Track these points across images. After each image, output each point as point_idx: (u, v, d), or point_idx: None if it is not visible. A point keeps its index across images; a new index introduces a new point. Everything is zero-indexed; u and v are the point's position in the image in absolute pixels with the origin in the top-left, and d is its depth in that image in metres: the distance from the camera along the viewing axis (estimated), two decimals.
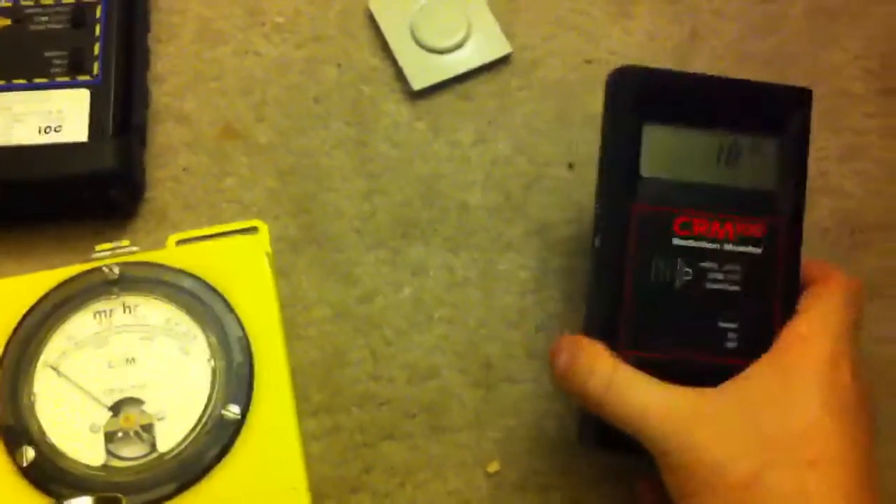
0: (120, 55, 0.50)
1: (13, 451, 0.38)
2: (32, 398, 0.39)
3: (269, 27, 0.56)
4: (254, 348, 0.40)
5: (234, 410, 0.39)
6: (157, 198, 0.52)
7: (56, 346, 0.40)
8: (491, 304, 0.50)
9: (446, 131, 0.54)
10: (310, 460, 0.46)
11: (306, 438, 0.47)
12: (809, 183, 0.51)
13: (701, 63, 0.55)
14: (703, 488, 0.34)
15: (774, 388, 0.36)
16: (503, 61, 0.55)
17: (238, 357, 0.40)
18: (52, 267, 0.49)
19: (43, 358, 0.40)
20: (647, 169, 0.41)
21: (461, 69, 0.54)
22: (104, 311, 0.40)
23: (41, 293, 0.41)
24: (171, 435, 0.39)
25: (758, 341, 0.39)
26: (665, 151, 0.41)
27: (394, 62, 0.55)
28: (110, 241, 0.47)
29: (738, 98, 0.42)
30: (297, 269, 0.50)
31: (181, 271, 0.41)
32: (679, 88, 0.42)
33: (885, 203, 0.52)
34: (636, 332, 0.40)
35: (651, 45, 0.55)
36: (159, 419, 0.39)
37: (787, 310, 0.39)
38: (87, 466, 0.38)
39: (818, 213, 0.52)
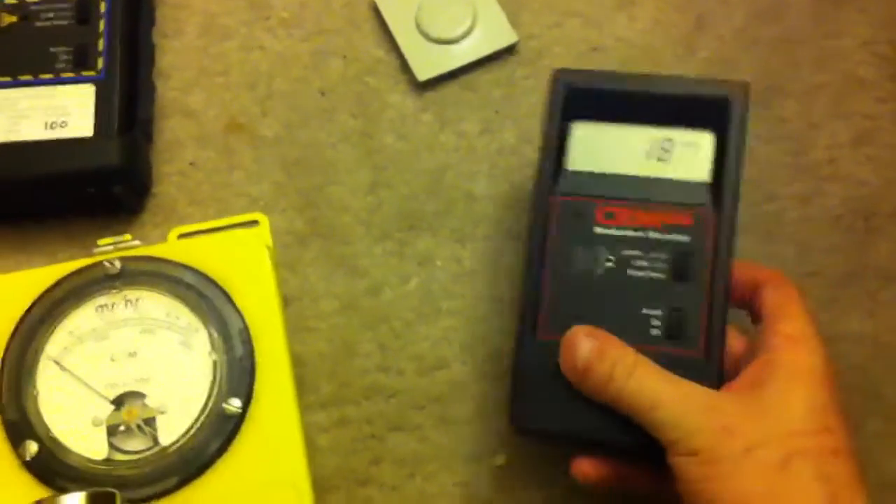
0: (124, 50, 0.51)
1: (16, 446, 0.38)
2: (35, 392, 0.39)
3: (273, 21, 0.55)
4: (255, 342, 0.40)
5: (235, 404, 0.39)
6: (164, 193, 0.52)
7: (59, 341, 0.40)
8: (499, 296, 0.50)
9: (452, 122, 0.53)
10: (318, 452, 0.46)
11: (315, 430, 0.47)
12: (820, 171, 0.50)
13: (707, 50, 0.54)
14: (733, 469, 0.35)
15: (787, 388, 0.36)
16: (509, 51, 0.54)
17: (239, 350, 0.40)
18: (59, 262, 0.49)
19: (46, 352, 0.40)
20: (572, 163, 0.42)
21: (467, 59, 0.54)
22: (106, 306, 0.41)
23: (43, 288, 0.41)
24: (172, 428, 0.39)
25: (684, 329, 0.39)
26: (591, 147, 0.42)
27: (399, 54, 0.54)
28: (117, 236, 0.48)
29: (671, 95, 0.42)
30: (303, 261, 0.50)
31: (182, 265, 0.41)
32: (611, 88, 0.42)
33: None
34: (557, 318, 0.40)
35: (657, 32, 0.54)
36: (161, 413, 0.39)
37: (717, 300, 0.39)
38: (90, 460, 0.38)
39: (830, 200, 0.51)
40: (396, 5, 0.55)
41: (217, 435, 0.39)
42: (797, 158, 0.52)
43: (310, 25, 0.55)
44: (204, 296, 0.41)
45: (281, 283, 0.46)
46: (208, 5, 0.56)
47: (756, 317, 0.40)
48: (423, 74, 0.54)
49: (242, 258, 0.42)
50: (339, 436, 0.47)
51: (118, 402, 0.39)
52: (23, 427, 0.39)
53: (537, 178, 0.42)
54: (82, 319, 0.40)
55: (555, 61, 0.54)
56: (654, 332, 0.39)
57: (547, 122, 0.42)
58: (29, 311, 0.40)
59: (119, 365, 0.40)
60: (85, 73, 0.50)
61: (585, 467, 0.40)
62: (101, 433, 0.39)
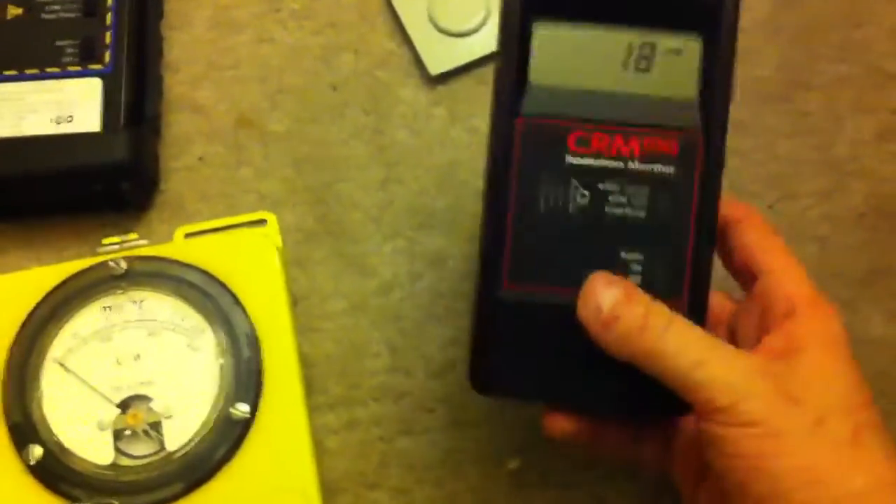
0: (132, 44, 0.50)
1: (21, 449, 0.38)
2: (39, 395, 0.38)
3: (284, 13, 0.54)
4: (263, 344, 0.39)
5: (242, 409, 0.38)
6: (172, 189, 0.51)
7: (63, 342, 0.39)
8: None
9: (464, 117, 0.52)
10: (326, 454, 0.46)
11: (323, 432, 0.46)
12: (843, 167, 0.49)
13: None
14: (801, 443, 0.32)
15: (827, 359, 0.34)
16: None
17: (246, 353, 0.39)
18: (65, 259, 0.48)
19: (50, 354, 0.39)
20: (537, 75, 0.35)
21: (480, 53, 0.53)
22: (111, 306, 0.40)
23: (48, 288, 0.40)
24: (179, 433, 0.38)
25: (667, 275, 0.35)
26: (559, 54, 0.36)
27: (411, 47, 0.53)
28: (125, 233, 0.47)
29: None
30: (312, 260, 0.49)
31: (188, 265, 0.40)
32: None
33: None
34: (523, 263, 0.35)
35: None
36: (167, 417, 0.38)
37: (703, 243, 0.35)
38: (95, 465, 0.38)
39: (853, 198, 0.50)
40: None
41: (224, 440, 0.38)
42: (820, 154, 0.51)
43: (321, 18, 0.54)
44: (210, 297, 0.40)
45: (289, 282, 0.45)
46: None
47: (737, 265, 0.37)
48: (435, 68, 0.53)
49: (250, 258, 0.41)
50: (348, 438, 0.47)
51: (124, 405, 0.39)
52: (27, 430, 0.38)
53: (495, 93, 0.36)
54: (87, 320, 0.40)
55: None
56: (634, 278, 0.35)
57: (503, 19, 0.35)
58: (33, 311, 0.40)
59: (124, 367, 0.39)
60: (92, 67, 0.49)
61: (561, 423, 0.37)
62: (107, 437, 0.38)
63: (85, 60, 0.49)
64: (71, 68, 0.49)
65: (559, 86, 0.36)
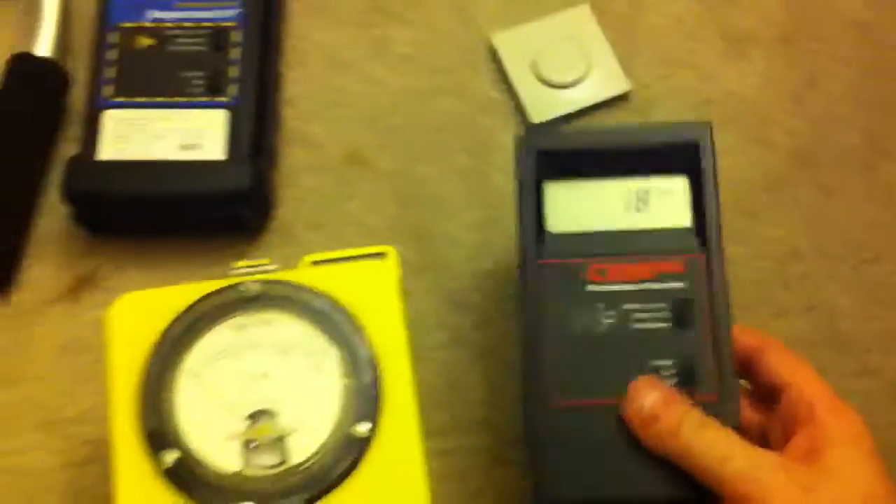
0: (255, 79, 0.53)
1: (155, 454, 0.40)
2: (174, 404, 0.41)
3: (393, 57, 0.57)
4: (382, 368, 0.41)
5: (363, 428, 0.40)
6: (283, 216, 0.54)
7: (197, 356, 0.42)
8: None
9: None
10: None
11: None
12: None
13: (816, 107, 0.55)
14: None
15: (848, 455, 0.37)
16: (621, 98, 0.56)
17: (368, 376, 0.41)
18: (182, 278, 0.51)
19: (185, 366, 0.41)
20: (552, 225, 0.42)
21: (580, 105, 0.56)
22: (243, 326, 0.42)
23: (184, 304, 0.42)
24: (302, 448, 0.40)
25: (696, 375, 0.39)
26: (568, 206, 0.43)
27: (513, 95, 0.56)
28: (240, 256, 0.50)
29: (639, 145, 0.42)
30: (415, 293, 0.52)
31: (315, 291, 0.43)
32: (578, 145, 0.43)
33: None
34: (564, 383, 0.40)
35: (768, 87, 0.56)
36: (292, 432, 0.40)
37: (722, 340, 0.39)
38: (224, 472, 0.40)
39: None
40: (514, 48, 0.57)
41: (344, 456, 0.40)
42: None
43: (428, 63, 0.57)
44: (335, 322, 0.42)
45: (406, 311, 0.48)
46: (331, 38, 0.58)
47: (764, 385, 0.41)
48: (536, 117, 0.55)
49: (372, 289, 0.43)
50: (444, 468, 0.49)
51: (251, 418, 0.41)
52: (162, 437, 0.40)
53: (519, 246, 0.42)
54: (220, 338, 0.42)
55: (666, 111, 0.56)
56: (670, 381, 0.40)
57: (520, 188, 0.42)
58: (171, 325, 0.42)
59: (253, 383, 0.41)
60: (218, 99, 0.52)
61: None
62: (235, 447, 0.40)
63: (212, 92, 0.52)
64: (198, 99, 0.52)
65: (572, 231, 0.42)
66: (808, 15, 0.58)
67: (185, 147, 0.51)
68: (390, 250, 0.46)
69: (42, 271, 0.52)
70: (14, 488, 0.48)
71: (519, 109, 0.56)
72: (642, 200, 0.42)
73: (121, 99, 0.51)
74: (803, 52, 0.57)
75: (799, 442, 0.38)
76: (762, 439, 0.41)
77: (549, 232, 0.42)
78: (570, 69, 0.56)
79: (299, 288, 0.43)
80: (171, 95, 0.52)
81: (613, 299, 0.41)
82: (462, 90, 0.57)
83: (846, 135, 0.55)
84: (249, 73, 0.52)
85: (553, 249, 0.42)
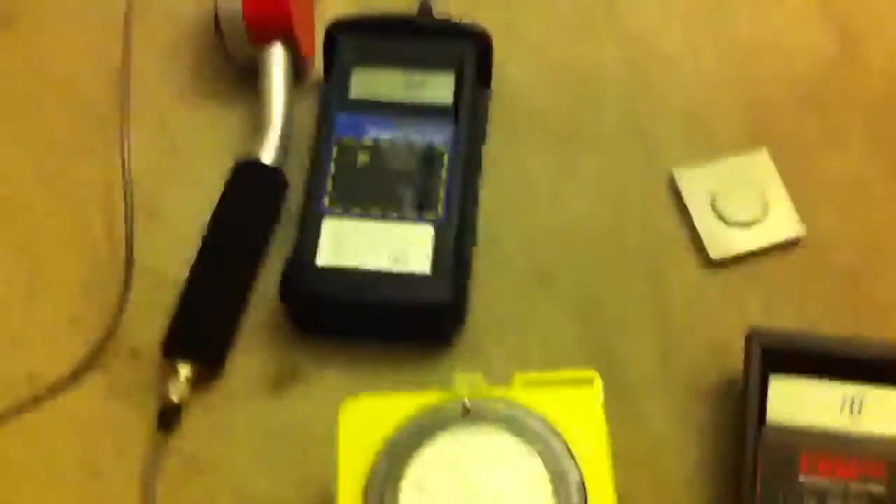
0: (460, 197, 0.57)
1: None
2: None
3: (581, 184, 0.61)
4: (588, 492, 0.44)
5: None
6: (471, 327, 0.57)
7: (420, 466, 0.45)
8: None
9: (736, 300, 0.58)
10: None
11: None
12: None
13: None
14: None
15: None
16: (796, 242, 0.59)
17: (575, 500, 0.44)
18: (377, 379, 0.55)
19: (408, 476, 0.45)
20: (772, 416, 0.49)
21: (755, 245, 0.59)
22: (460, 439, 0.45)
23: (409, 412, 0.46)
24: None
25: None
26: (789, 399, 0.49)
27: (692, 229, 0.60)
28: (432, 363, 0.54)
29: (863, 356, 0.48)
30: None
31: (530, 412, 0.46)
32: (805, 346, 0.49)
33: None
34: None
35: None
36: None
37: None
38: None
39: None
40: (694, 185, 0.60)
41: None
42: None
43: (612, 193, 0.61)
44: (547, 444, 0.45)
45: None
46: (525, 162, 0.62)
47: None
48: (715, 253, 0.59)
49: (580, 413, 0.46)
50: None
51: None
52: None
53: (746, 433, 0.48)
54: (441, 449, 0.45)
55: (840, 258, 0.58)
56: None
57: (747, 374, 0.49)
58: (395, 433, 0.46)
59: (470, 496, 0.44)
60: (426, 216, 0.56)
61: None
62: None
63: (421, 209, 0.56)
64: (408, 214, 0.56)
65: (789, 423, 0.48)
66: None
67: (393, 258, 0.54)
68: (596, 376, 0.49)
69: (247, 362, 0.56)
70: None
71: (696, 243, 0.59)
72: (858, 405, 0.48)
73: (338, 209, 0.55)
74: None
75: None
76: None
77: (769, 421, 0.49)
78: (748, 210, 0.59)
79: (514, 406, 0.46)
80: (384, 209, 0.56)
81: (820, 493, 0.46)
82: (643, 220, 0.60)
83: None
84: (455, 193, 0.56)
85: (772, 437, 0.48)
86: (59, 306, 0.58)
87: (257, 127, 0.60)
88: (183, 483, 0.53)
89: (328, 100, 0.60)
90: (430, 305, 0.54)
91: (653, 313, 0.58)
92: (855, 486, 0.46)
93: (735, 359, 0.54)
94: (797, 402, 0.49)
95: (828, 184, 0.61)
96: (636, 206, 0.61)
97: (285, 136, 0.60)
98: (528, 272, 0.59)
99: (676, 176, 0.61)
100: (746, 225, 0.59)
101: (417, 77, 0.60)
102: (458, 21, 0.62)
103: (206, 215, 0.59)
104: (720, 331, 0.57)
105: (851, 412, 0.48)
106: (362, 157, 0.58)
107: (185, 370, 0.53)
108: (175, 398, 0.53)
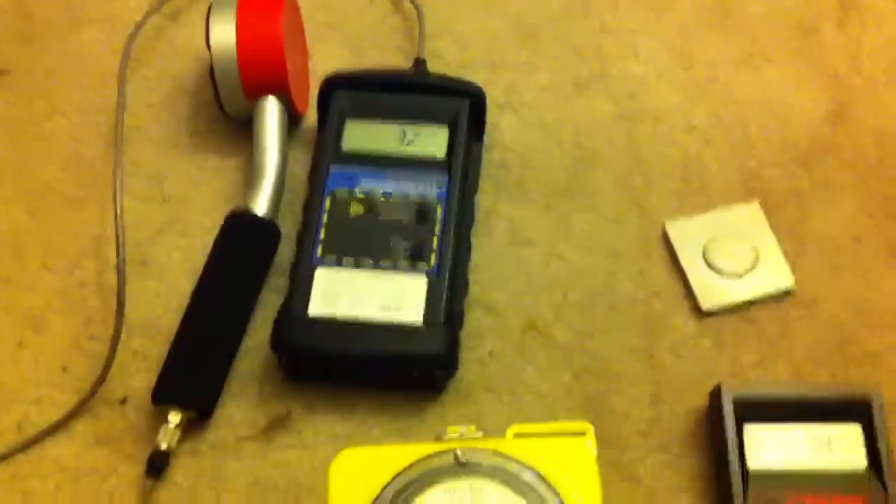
0: (453, 249, 0.57)
1: None
2: None
3: (573, 237, 0.62)
4: None
5: None
6: (463, 377, 0.57)
7: None
8: None
9: (729, 349, 0.58)
10: None
11: None
12: None
13: None
14: None
15: None
16: (787, 293, 0.59)
17: None
18: (368, 428, 0.55)
19: None
20: (752, 462, 0.51)
21: (746, 296, 0.59)
22: (453, 491, 0.45)
23: (401, 464, 0.46)
24: None
25: None
26: (765, 446, 0.51)
27: (684, 281, 0.60)
28: (423, 412, 0.53)
29: (821, 399, 0.51)
30: None
31: (522, 463, 0.46)
32: (772, 397, 0.52)
33: None
34: None
35: None
36: None
37: None
38: None
39: None
40: (686, 238, 0.61)
41: None
42: None
43: (605, 247, 0.61)
44: (541, 496, 0.45)
45: None
46: (517, 214, 0.62)
47: None
48: (706, 304, 0.59)
49: (574, 466, 0.46)
50: None
51: None
52: None
53: (731, 482, 0.49)
54: (434, 501, 0.45)
55: (828, 309, 0.59)
56: None
57: (724, 429, 0.51)
58: (388, 486, 0.45)
59: None
60: (419, 266, 0.56)
61: None
62: None
63: (414, 260, 0.56)
64: (401, 265, 0.56)
65: (770, 469, 0.50)
66: None
67: (385, 308, 0.55)
68: (588, 428, 0.49)
69: (237, 409, 0.56)
70: None
71: (688, 295, 0.59)
72: (827, 444, 0.50)
73: (330, 259, 0.56)
74: None
75: None
76: None
77: (749, 468, 0.50)
78: (740, 261, 0.60)
79: (507, 458, 0.46)
80: (377, 260, 0.56)
81: None
82: (635, 273, 0.60)
83: None
84: (448, 245, 0.57)
85: (758, 483, 0.50)
86: (51, 356, 0.58)
87: (251, 178, 0.60)
88: None
89: (321, 152, 0.60)
90: (422, 356, 0.54)
91: (645, 364, 0.58)
92: None
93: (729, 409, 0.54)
94: (773, 448, 0.51)
95: (819, 238, 0.61)
96: (629, 259, 0.61)
97: (278, 188, 0.60)
98: (521, 323, 0.59)
99: (668, 227, 0.61)
100: (738, 276, 0.60)
101: (411, 130, 0.60)
102: (452, 77, 0.63)
103: (199, 265, 0.59)
104: (713, 381, 0.57)
105: (822, 452, 0.50)
106: (355, 209, 0.58)
107: (175, 418, 0.53)
108: (164, 445, 0.53)
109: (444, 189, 0.58)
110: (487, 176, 0.64)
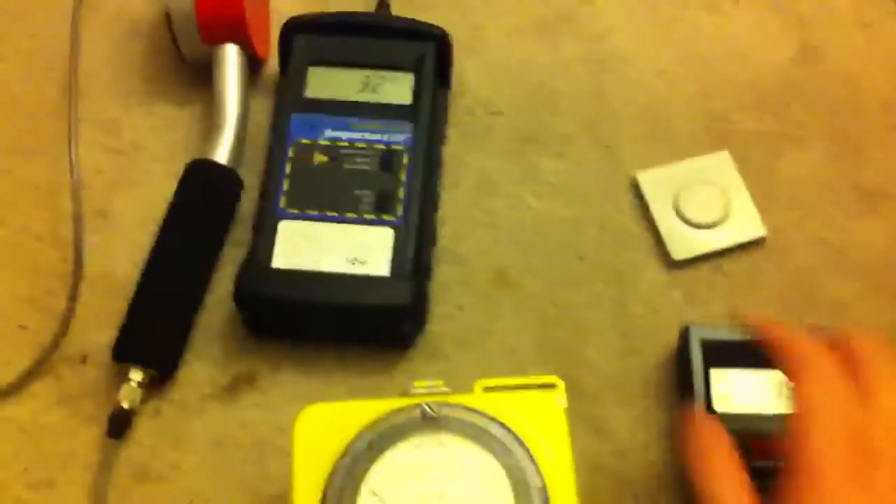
0: (420, 199, 0.56)
1: None
2: None
3: (541, 185, 0.61)
4: (550, 498, 0.44)
5: None
6: (432, 331, 0.56)
7: (378, 474, 0.44)
8: None
9: (699, 302, 0.58)
10: None
11: None
12: None
13: None
14: None
15: None
16: (757, 243, 0.59)
17: None
18: (335, 384, 0.54)
19: (367, 484, 0.44)
20: (718, 406, 0.51)
21: (718, 246, 0.58)
22: (420, 446, 0.44)
23: (368, 420, 0.45)
24: None
25: None
26: (731, 390, 0.51)
27: (654, 231, 0.59)
28: (391, 367, 0.52)
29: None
30: None
31: (491, 417, 0.45)
32: (735, 339, 0.51)
33: None
34: None
35: None
36: None
37: None
38: None
39: None
40: (657, 187, 0.60)
41: None
42: None
43: (573, 193, 0.60)
44: (508, 450, 0.44)
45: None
46: (484, 163, 0.61)
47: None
48: (677, 254, 0.58)
49: (543, 419, 0.45)
50: None
51: None
52: None
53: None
54: (400, 457, 0.44)
55: (798, 259, 0.58)
56: None
57: (691, 372, 0.51)
58: (353, 441, 0.44)
59: (430, 503, 0.43)
60: (385, 217, 0.55)
61: None
62: None
63: (380, 211, 0.55)
64: (366, 216, 0.55)
65: (735, 412, 0.50)
66: None
67: (351, 261, 0.53)
68: (558, 382, 0.49)
69: (201, 367, 0.55)
70: None
71: (659, 244, 0.59)
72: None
73: (294, 210, 0.54)
74: None
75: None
76: None
77: (719, 413, 0.50)
78: (711, 211, 0.59)
79: (475, 413, 0.45)
80: (342, 211, 0.55)
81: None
82: (605, 222, 0.59)
83: None
84: (415, 195, 0.55)
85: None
86: (7, 313, 0.57)
87: (211, 127, 0.59)
88: (134, 491, 0.52)
89: (283, 100, 0.58)
90: (389, 307, 0.53)
91: (616, 316, 0.57)
92: None
93: None
94: (738, 391, 0.51)
95: (788, 184, 0.60)
96: (598, 207, 0.60)
97: (240, 137, 0.58)
98: (489, 275, 0.58)
99: (639, 178, 0.60)
100: (709, 226, 0.59)
101: (375, 77, 0.59)
102: (416, 21, 0.61)
103: (158, 216, 0.57)
104: None
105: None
106: (319, 158, 0.56)
107: (136, 376, 0.52)
108: (126, 404, 0.52)
109: (410, 136, 0.56)
110: (454, 123, 0.62)
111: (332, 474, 0.44)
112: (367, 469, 0.44)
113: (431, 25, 0.60)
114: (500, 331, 0.57)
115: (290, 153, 0.56)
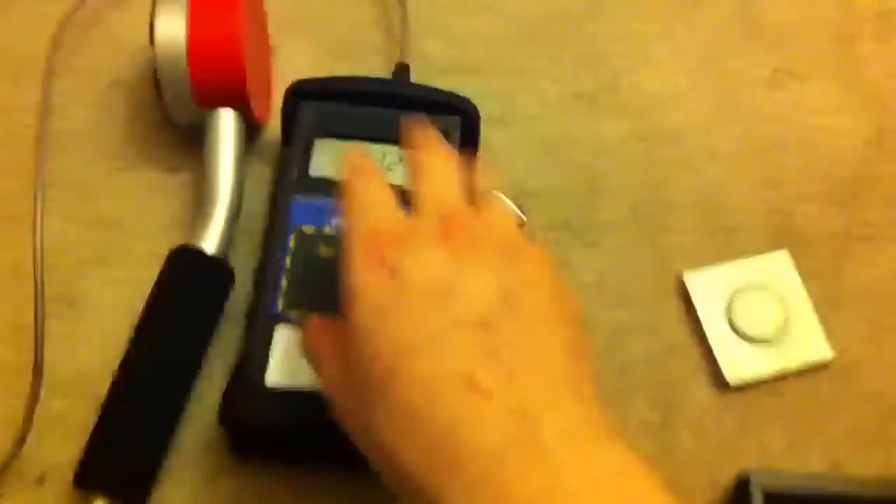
0: None
1: None
2: None
3: (579, 279, 0.53)
4: None
5: None
6: None
7: None
8: None
9: (754, 430, 0.50)
10: None
11: None
12: None
13: None
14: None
15: None
16: (821, 365, 0.51)
17: None
18: None
19: None
20: None
21: (776, 366, 0.51)
22: None
23: None
24: None
25: None
26: None
27: (702, 339, 0.52)
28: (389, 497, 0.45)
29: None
30: None
31: None
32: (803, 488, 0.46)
33: None
34: None
35: None
36: None
37: None
38: None
39: None
40: (706, 289, 0.53)
41: None
42: None
43: (615, 296, 0.53)
44: None
45: None
46: None
47: None
48: (731, 376, 0.51)
49: None
50: None
51: None
52: None
53: None
54: None
55: (868, 383, 0.51)
56: None
57: None
58: None
59: None
60: None
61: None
62: None
63: None
64: None
65: None
66: None
67: None
68: None
69: (177, 493, 0.48)
70: None
71: (708, 359, 0.51)
72: None
73: (293, 313, 0.47)
74: None
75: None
76: None
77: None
78: (767, 323, 0.52)
79: None
80: None
81: None
82: (649, 329, 0.52)
83: None
84: None
85: None
86: None
87: (200, 206, 0.51)
88: None
89: (284, 178, 0.51)
90: None
91: (659, 444, 0.50)
92: None
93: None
94: None
95: (857, 293, 0.53)
96: (642, 315, 0.53)
97: (232, 220, 0.51)
98: None
99: (687, 279, 0.53)
100: (765, 341, 0.52)
101: (392, 154, 0.51)
102: (439, 90, 0.53)
103: (136, 305, 0.49)
104: (736, 465, 0.49)
105: None
106: (324, 251, 0.49)
107: None
108: None
109: None
110: None
111: None
112: None
113: (456, 95, 0.53)
114: None
115: (291, 243, 0.48)
